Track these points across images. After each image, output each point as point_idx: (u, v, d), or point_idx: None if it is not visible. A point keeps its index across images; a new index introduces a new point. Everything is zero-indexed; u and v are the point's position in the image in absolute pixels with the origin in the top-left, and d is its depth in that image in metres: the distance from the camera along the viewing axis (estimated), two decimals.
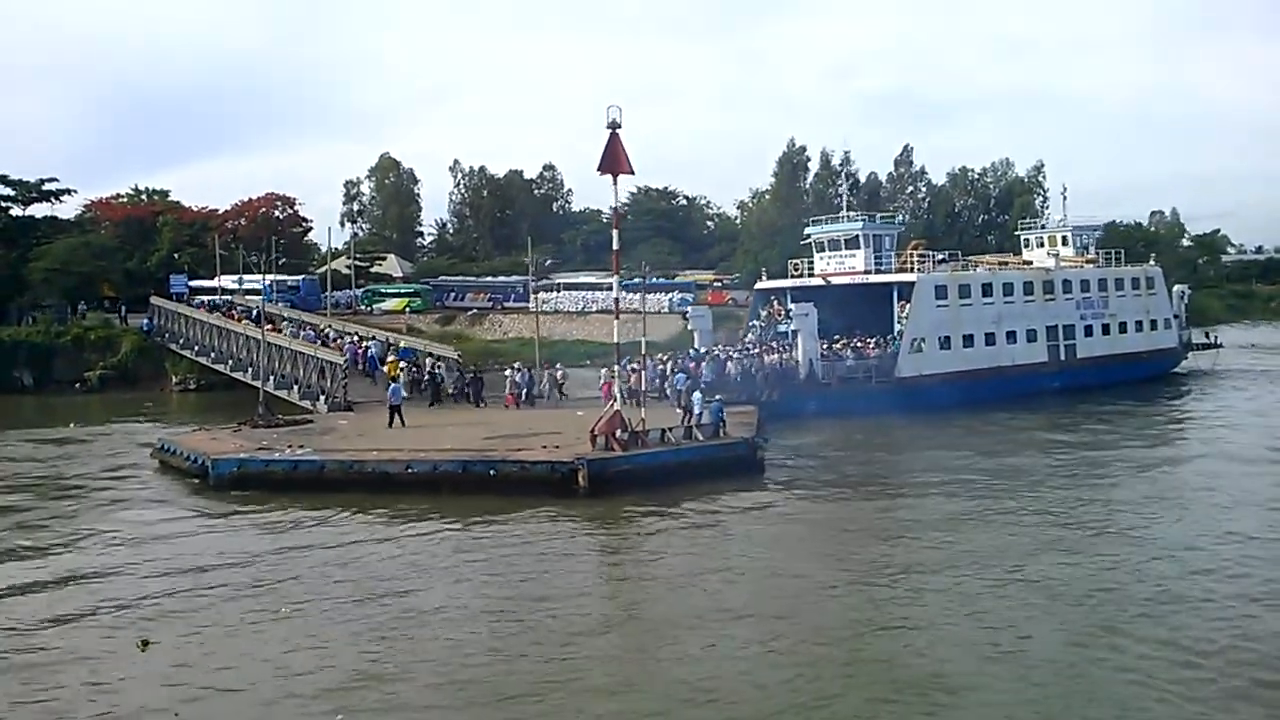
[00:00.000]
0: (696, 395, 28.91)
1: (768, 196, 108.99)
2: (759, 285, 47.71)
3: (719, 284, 71.52)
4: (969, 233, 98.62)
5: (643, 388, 29.63)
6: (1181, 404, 41.19)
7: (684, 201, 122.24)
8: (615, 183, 25.85)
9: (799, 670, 13.65)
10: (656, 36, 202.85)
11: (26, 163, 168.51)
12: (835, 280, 43.39)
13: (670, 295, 67.92)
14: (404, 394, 33.22)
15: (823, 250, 44.62)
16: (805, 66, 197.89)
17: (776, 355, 39.11)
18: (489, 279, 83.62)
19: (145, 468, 30.39)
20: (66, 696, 13.17)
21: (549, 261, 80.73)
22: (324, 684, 13.36)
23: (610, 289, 68.77)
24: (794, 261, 46.52)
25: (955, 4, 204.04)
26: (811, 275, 44.79)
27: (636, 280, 75.82)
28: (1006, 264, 46.87)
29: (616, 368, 28.79)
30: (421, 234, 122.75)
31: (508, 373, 38.54)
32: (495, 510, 23.04)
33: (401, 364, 39.92)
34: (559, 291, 73.86)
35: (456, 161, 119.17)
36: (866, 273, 42.65)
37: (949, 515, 22.66)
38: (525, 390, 37.14)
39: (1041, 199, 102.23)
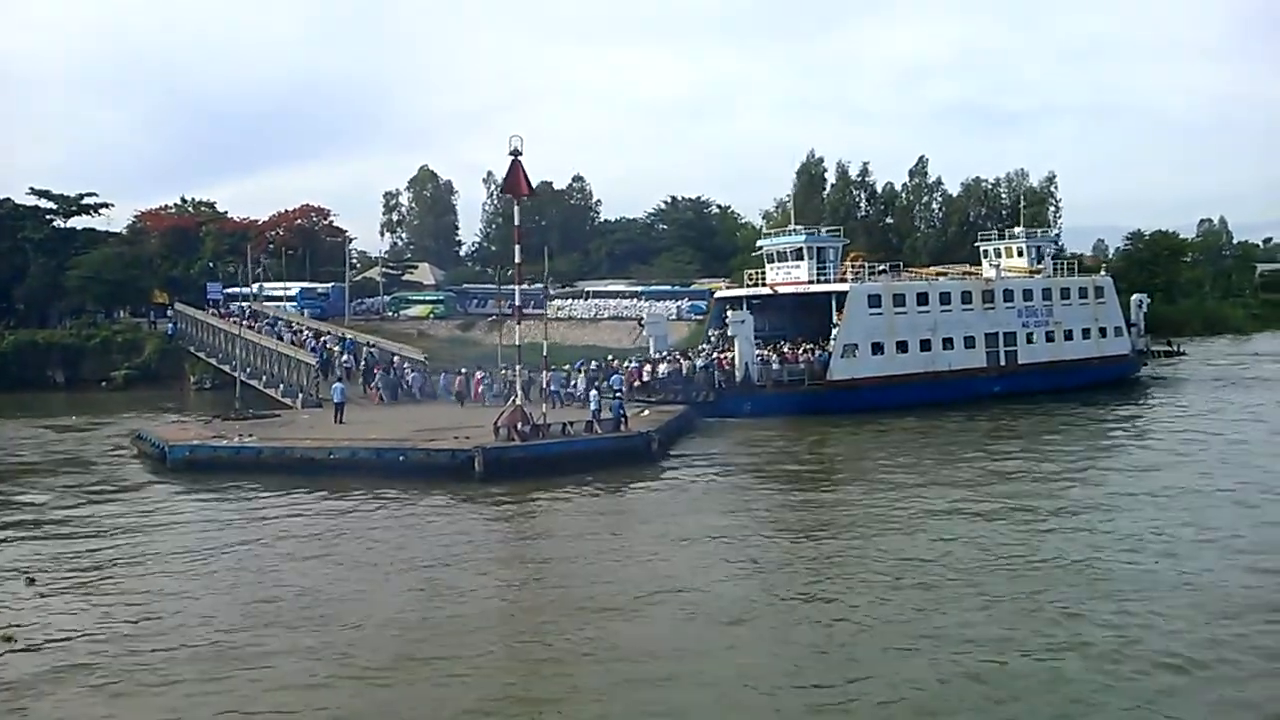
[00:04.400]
0: (594, 394, 32.04)
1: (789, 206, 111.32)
2: (718, 294, 50.63)
3: None
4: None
5: (544, 389, 32.94)
6: (1117, 407, 42.78)
7: (716, 210, 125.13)
8: (516, 204, 29.12)
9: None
10: (720, 47, 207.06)
11: (87, 173, 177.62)
12: (782, 289, 46.20)
13: (680, 302, 70.79)
14: (346, 394, 36.82)
15: (772, 261, 47.42)
16: (872, 76, 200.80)
17: (712, 359, 42.03)
18: (510, 287, 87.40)
19: (123, 452, 34.56)
20: None
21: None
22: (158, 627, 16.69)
23: (628, 297, 73.13)
24: (749, 272, 49.42)
25: (1025, 13, 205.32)
26: (764, 285, 47.63)
27: (660, 288, 79.48)
28: (945, 274, 49.08)
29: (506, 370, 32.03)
30: (460, 243, 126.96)
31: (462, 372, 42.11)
32: (398, 490, 26.38)
33: (343, 355, 43.99)
34: (586, 299, 76.91)
35: (490, 174, 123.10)
36: (810, 283, 45.36)
37: (831, 500, 25.51)
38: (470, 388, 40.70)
39: (1054, 209, 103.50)
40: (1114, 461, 30.25)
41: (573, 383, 38.97)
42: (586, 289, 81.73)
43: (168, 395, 56.91)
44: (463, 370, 42.40)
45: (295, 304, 72.23)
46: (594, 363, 43.08)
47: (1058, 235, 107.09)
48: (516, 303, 31.03)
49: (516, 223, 30.11)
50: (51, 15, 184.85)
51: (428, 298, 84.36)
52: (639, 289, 78.71)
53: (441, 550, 20.67)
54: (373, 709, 12.71)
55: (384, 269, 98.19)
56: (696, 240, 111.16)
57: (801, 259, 45.69)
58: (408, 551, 20.64)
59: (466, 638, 15.21)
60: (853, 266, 45.31)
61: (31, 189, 73.64)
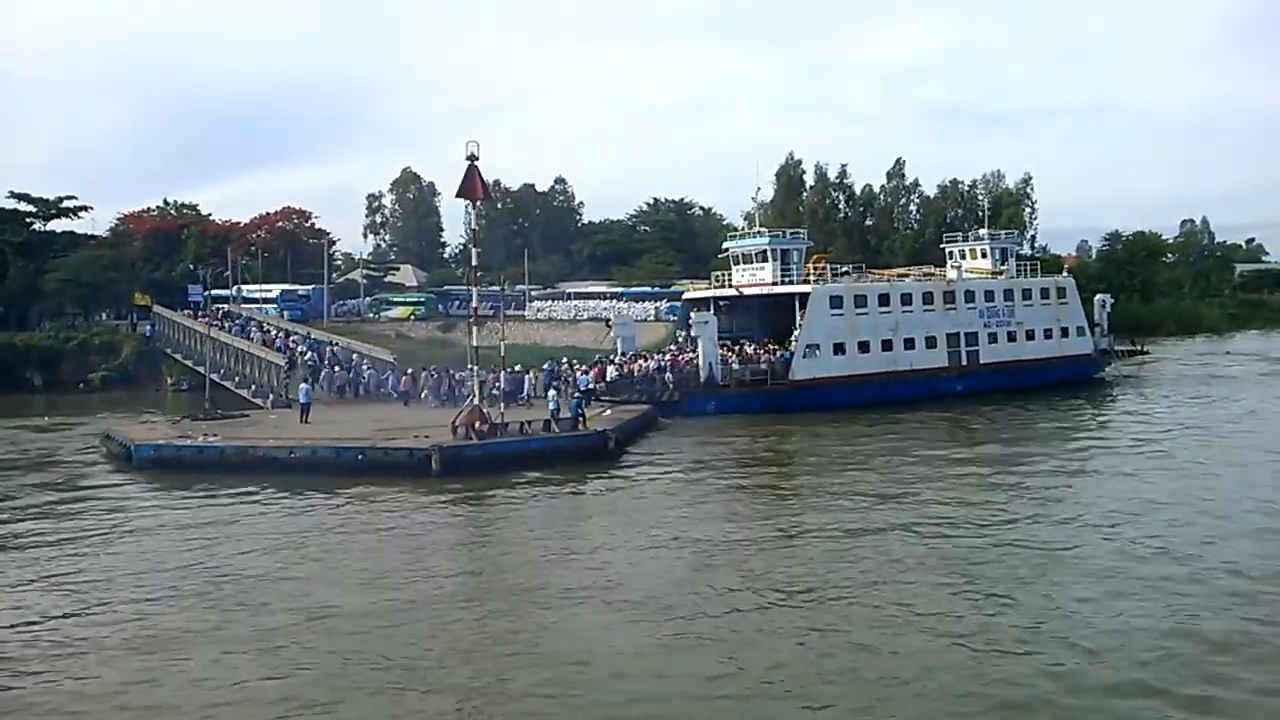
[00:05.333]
0: (551, 393, 32.77)
1: (770, 209, 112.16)
2: (686, 295, 51.40)
3: None
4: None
5: (500, 389, 33.73)
6: (1074, 404, 43.79)
7: (700, 212, 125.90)
8: (472, 207, 29.86)
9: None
10: (718, 48, 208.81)
11: (71, 176, 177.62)
12: (747, 291, 47.03)
13: (658, 304, 71.38)
14: (311, 394, 37.47)
15: (738, 263, 48.23)
16: (870, 77, 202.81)
17: (664, 360, 42.81)
18: (493, 288, 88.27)
19: (92, 451, 35.17)
20: None
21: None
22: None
23: (608, 298, 73.84)
24: (716, 273, 50.24)
25: (1016, 15, 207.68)
26: (731, 286, 48.44)
27: (640, 289, 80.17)
28: (907, 275, 49.95)
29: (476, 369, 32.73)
30: (445, 245, 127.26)
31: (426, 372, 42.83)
32: (356, 487, 26.99)
33: (307, 355, 45.06)
34: (568, 300, 77.52)
35: None
36: (774, 284, 46.16)
37: (779, 496, 26.31)
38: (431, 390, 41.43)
39: (1029, 210, 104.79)
40: (1054, 453, 31.15)
41: (527, 384, 39.73)
42: (569, 290, 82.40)
43: (145, 397, 57.43)
44: (409, 370, 43.19)
45: (276, 306, 72.72)
46: (547, 364, 43.79)
47: (1034, 236, 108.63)
48: (474, 304, 31.62)
49: (473, 226, 31.07)
50: (39, 15, 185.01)
51: (409, 299, 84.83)
52: (619, 290, 79.34)
53: (386, 543, 21.40)
54: (282, 691, 13.31)
55: (366, 271, 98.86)
56: (678, 242, 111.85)
57: (766, 261, 46.48)
58: (355, 544, 21.36)
59: (393, 623, 15.88)
60: (815, 268, 46.16)
61: (11, 192, 74.29)
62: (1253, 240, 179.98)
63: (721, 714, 12.55)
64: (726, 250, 49.26)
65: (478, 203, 30.06)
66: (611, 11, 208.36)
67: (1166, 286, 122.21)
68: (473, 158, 29.48)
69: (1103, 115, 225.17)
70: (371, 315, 79.62)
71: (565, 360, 44.81)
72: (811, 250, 48.98)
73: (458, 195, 29.49)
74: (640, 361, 43.13)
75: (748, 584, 17.71)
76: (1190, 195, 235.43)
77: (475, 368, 31.92)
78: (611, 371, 41.27)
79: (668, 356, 44.16)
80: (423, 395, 40.74)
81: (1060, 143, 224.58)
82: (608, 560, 19.64)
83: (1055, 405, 43.10)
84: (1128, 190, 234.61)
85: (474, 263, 31.31)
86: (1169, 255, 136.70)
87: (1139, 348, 57.96)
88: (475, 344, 32.09)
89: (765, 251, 46.59)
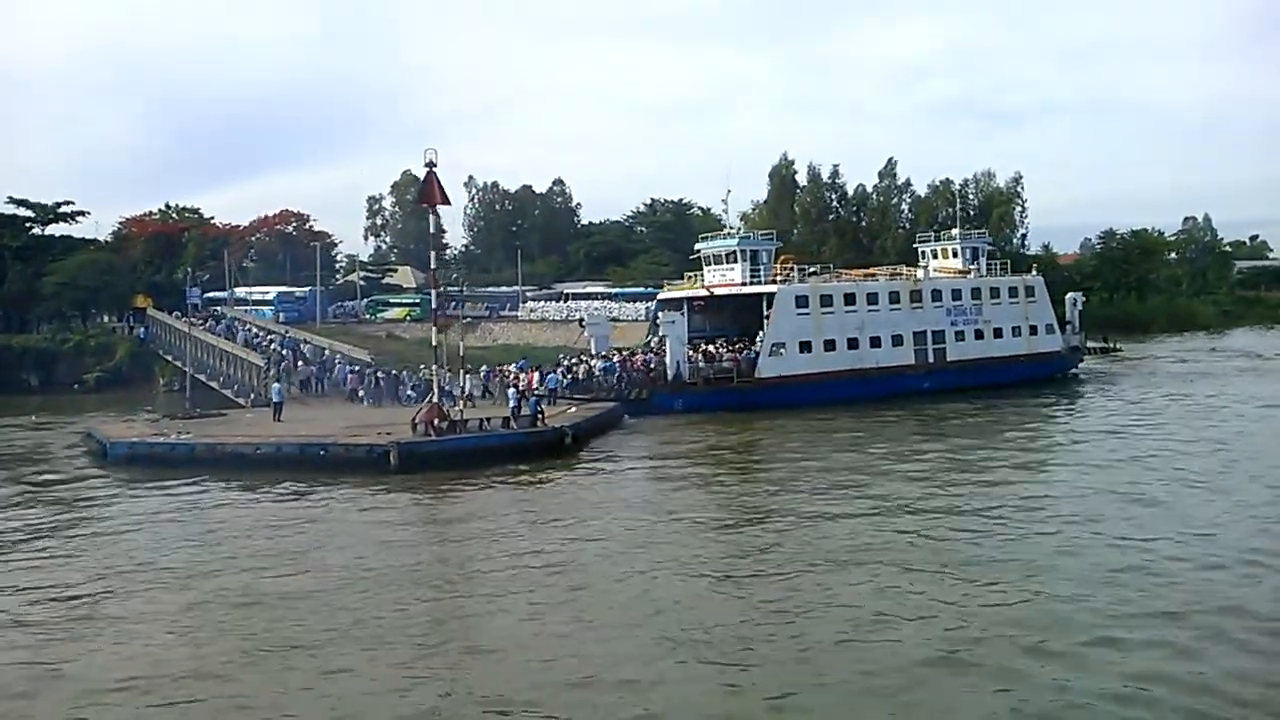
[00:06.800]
0: (511, 391, 33.97)
1: (764, 209, 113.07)
2: (660, 295, 52.49)
3: None
4: None
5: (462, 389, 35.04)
6: (1035, 399, 44.78)
7: (699, 213, 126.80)
8: (432, 213, 31.03)
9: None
10: (720, 47, 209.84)
11: (76, 180, 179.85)
12: (718, 291, 48.09)
13: (650, 304, 72.32)
14: (284, 394, 38.80)
15: (709, 264, 49.31)
16: (866, 76, 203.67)
17: (613, 360, 44.05)
18: (489, 289, 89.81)
19: (74, 448, 36.53)
20: None
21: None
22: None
23: (601, 299, 74.95)
24: (689, 274, 51.37)
25: (1017, 14, 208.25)
26: (703, 287, 49.51)
27: (633, 290, 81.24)
28: (874, 275, 50.91)
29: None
30: (447, 246, 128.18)
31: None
32: (316, 481, 28.20)
33: (284, 353, 46.86)
34: (563, 300, 78.64)
35: (471, 177, 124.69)
36: (743, 284, 47.22)
37: (729, 488, 27.38)
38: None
39: (1020, 209, 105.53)
40: (1004, 446, 32.14)
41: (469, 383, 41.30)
42: (565, 290, 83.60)
43: (138, 397, 58.69)
44: (356, 368, 44.69)
45: (273, 308, 74.11)
46: (521, 361, 45.20)
47: (1024, 235, 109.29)
48: (434, 305, 32.74)
49: (433, 230, 32.04)
50: (46, 17, 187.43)
51: (405, 300, 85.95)
52: (614, 291, 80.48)
53: (333, 531, 22.60)
54: (201, 669, 14.47)
55: (363, 272, 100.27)
56: (675, 242, 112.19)
57: (735, 261, 47.54)
58: (303, 532, 22.58)
59: (312, 605, 17.05)
60: (783, 268, 47.21)
61: (10, 198, 76.08)
62: (1256, 237, 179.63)
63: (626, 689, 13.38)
64: (698, 251, 50.35)
65: (435, 208, 31.09)
66: (612, 11, 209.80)
67: (1164, 283, 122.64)
68: (431, 165, 30.61)
69: (1106, 113, 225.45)
70: (368, 316, 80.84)
71: (510, 365, 45.93)
72: (780, 251, 50.00)
73: (418, 201, 30.69)
74: (592, 362, 44.24)
75: (679, 565, 18.83)
76: (1194, 192, 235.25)
77: (436, 367, 33.05)
78: (557, 375, 42.20)
79: (615, 358, 45.06)
80: (359, 394, 42.45)
81: (1064, 140, 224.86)
82: (542, 546, 20.70)
83: (1019, 400, 44.07)
84: (1132, 187, 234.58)
85: (433, 265, 32.33)
86: (1170, 253, 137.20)
87: (1111, 345, 58.80)
88: (435, 344, 33.11)
89: (735, 252, 47.64)
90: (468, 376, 40.88)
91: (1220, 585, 16.67)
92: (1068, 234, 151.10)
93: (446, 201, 31.17)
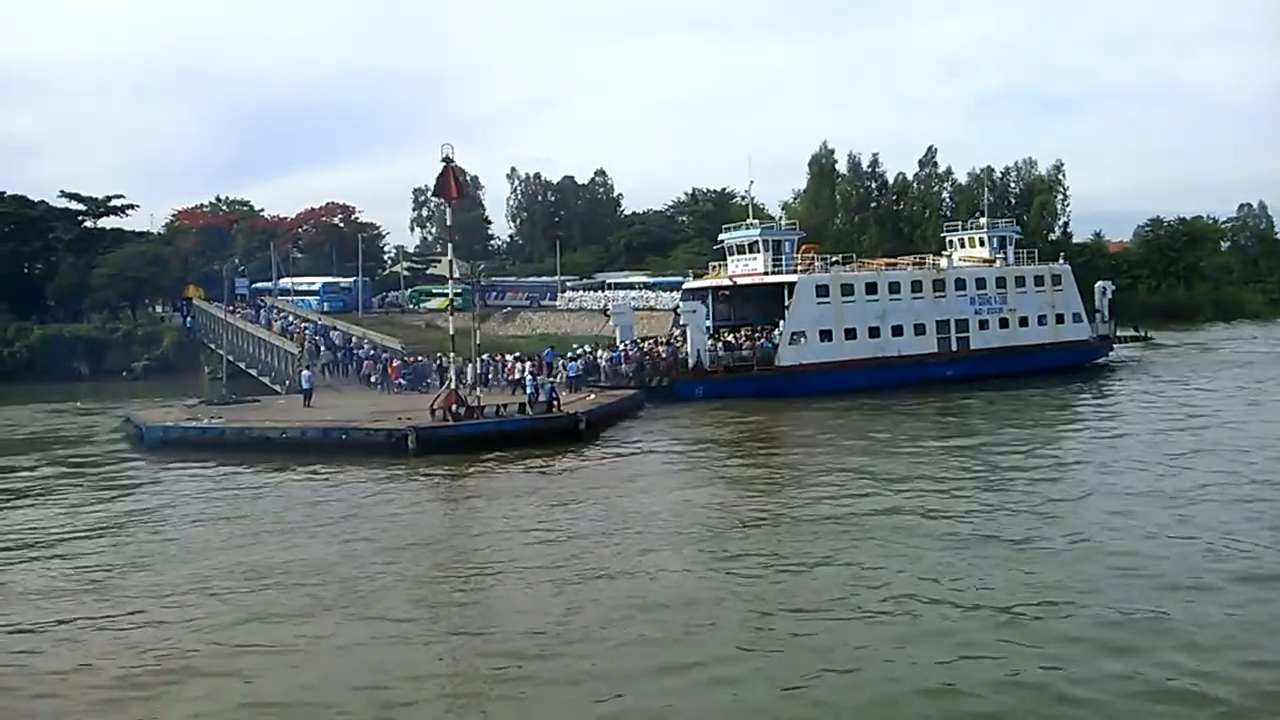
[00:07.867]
0: (527, 377, 34.90)
1: (804, 198, 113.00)
2: (686, 285, 53.16)
3: None
4: None
5: (472, 377, 36.12)
6: (1062, 387, 44.70)
7: (741, 202, 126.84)
8: (447, 207, 31.98)
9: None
10: (766, 37, 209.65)
11: (137, 175, 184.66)
12: (741, 281, 48.68)
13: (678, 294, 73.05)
14: (314, 380, 40.14)
15: (732, 254, 49.87)
16: (914, 66, 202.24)
17: (619, 350, 44.79)
18: (530, 280, 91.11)
19: (116, 433, 38.22)
20: None
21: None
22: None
23: (641, 289, 75.74)
24: (713, 264, 51.97)
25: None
26: (727, 277, 50.12)
27: (673, 279, 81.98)
28: (897, 264, 51.09)
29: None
30: (493, 237, 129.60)
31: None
32: (338, 464, 29.31)
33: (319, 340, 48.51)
34: (604, 290, 79.60)
35: (514, 169, 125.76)
36: (765, 274, 47.73)
37: (737, 474, 27.84)
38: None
39: (1061, 196, 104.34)
40: (1027, 436, 32.43)
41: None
42: (606, 280, 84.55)
43: (183, 385, 60.69)
44: (371, 354, 45.99)
45: (319, 298, 76.08)
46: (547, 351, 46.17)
47: (1066, 223, 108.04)
48: (450, 294, 33.70)
49: (448, 223, 32.99)
50: (110, 14, 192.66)
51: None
52: (653, 280, 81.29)
53: (347, 510, 23.63)
54: (207, 639, 15.54)
55: (408, 263, 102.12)
56: (715, 232, 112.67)
57: (758, 251, 48.05)
58: (320, 510, 23.67)
59: (310, 579, 18.05)
60: (804, 258, 47.65)
61: (62, 192, 78.81)
62: None
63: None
64: (721, 242, 50.91)
65: (451, 202, 32.04)
66: (663, 4, 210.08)
67: (1213, 271, 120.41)
68: (448, 159, 31.53)
69: (1162, 98, 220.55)
70: (411, 306, 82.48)
71: (502, 354, 46.96)
72: (813, 241, 50.44)
73: (433, 194, 31.65)
74: (598, 352, 45.03)
75: (689, 557, 19.12)
76: (1255, 178, 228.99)
77: (454, 355, 34.05)
78: (577, 366, 42.88)
79: (622, 348, 45.61)
80: (371, 380, 44.27)
81: (1121, 127, 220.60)
82: (547, 523, 21.56)
83: (1045, 389, 44.05)
84: (1189, 173, 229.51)
85: (449, 255, 33.34)
86: (1223, 240, 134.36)
87: (1143, 334, 58.31)
88: (453, 332, 34.09)
89: (757, 242, 48.15)
90: (468, 365, 41.98)
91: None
92: (1121, 220, 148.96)
93: (463, 195, 32.08)
